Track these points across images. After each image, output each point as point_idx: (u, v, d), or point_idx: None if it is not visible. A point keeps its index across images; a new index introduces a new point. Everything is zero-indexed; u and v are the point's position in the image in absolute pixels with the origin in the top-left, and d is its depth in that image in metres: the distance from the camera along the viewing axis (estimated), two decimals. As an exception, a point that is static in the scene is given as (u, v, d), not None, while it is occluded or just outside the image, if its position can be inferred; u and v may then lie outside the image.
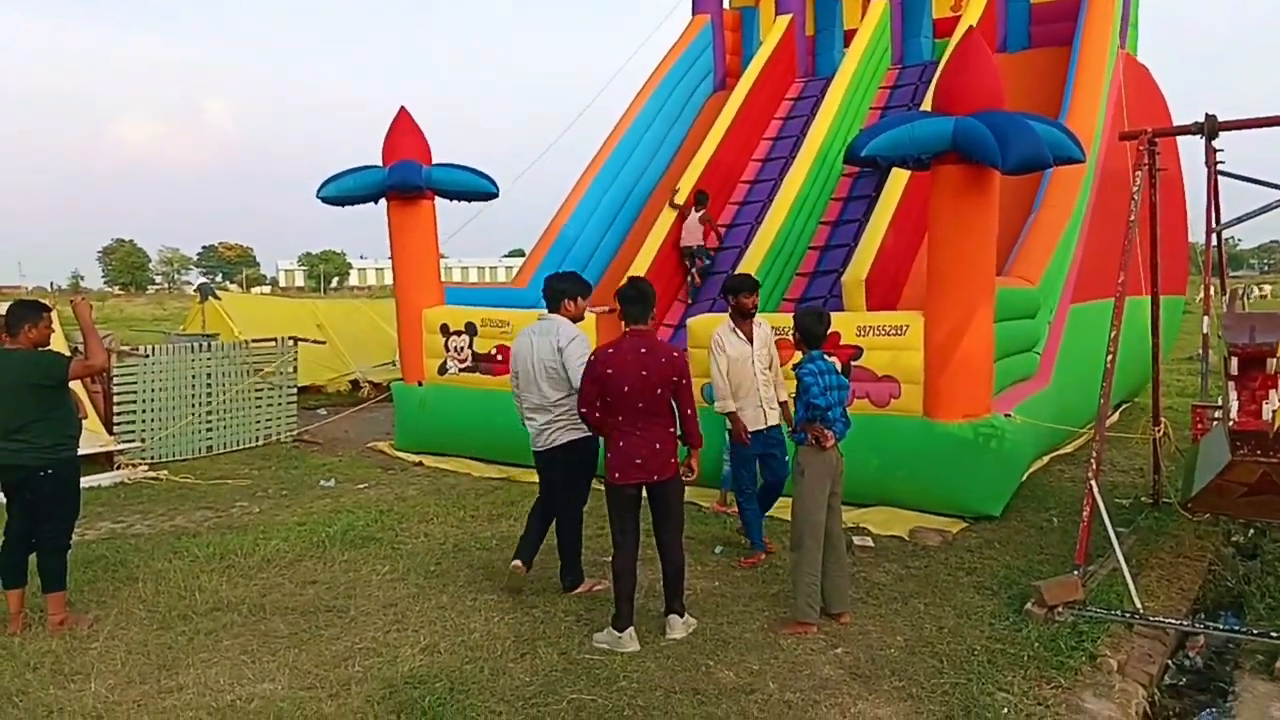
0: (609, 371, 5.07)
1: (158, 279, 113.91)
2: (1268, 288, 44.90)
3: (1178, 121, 9.27)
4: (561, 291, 6.03)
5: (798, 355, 5.60)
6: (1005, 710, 4.36)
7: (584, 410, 5.24)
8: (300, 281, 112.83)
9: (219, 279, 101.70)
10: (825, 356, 5.40)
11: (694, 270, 12.21)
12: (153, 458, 10.28)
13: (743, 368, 6.49)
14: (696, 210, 12.13)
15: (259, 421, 11.48)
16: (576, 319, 6.09)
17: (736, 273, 8.38)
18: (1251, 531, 7.32)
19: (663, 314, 12.06)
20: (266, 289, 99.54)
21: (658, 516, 5.28)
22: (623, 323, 5.29)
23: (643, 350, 5.11)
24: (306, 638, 5.28)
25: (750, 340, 6.52)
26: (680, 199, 12.29)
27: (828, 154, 12.15)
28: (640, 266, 11.55)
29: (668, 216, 12.28)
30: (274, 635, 5.32)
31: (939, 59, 13.41)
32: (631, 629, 5.12)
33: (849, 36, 14.54)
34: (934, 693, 4.54)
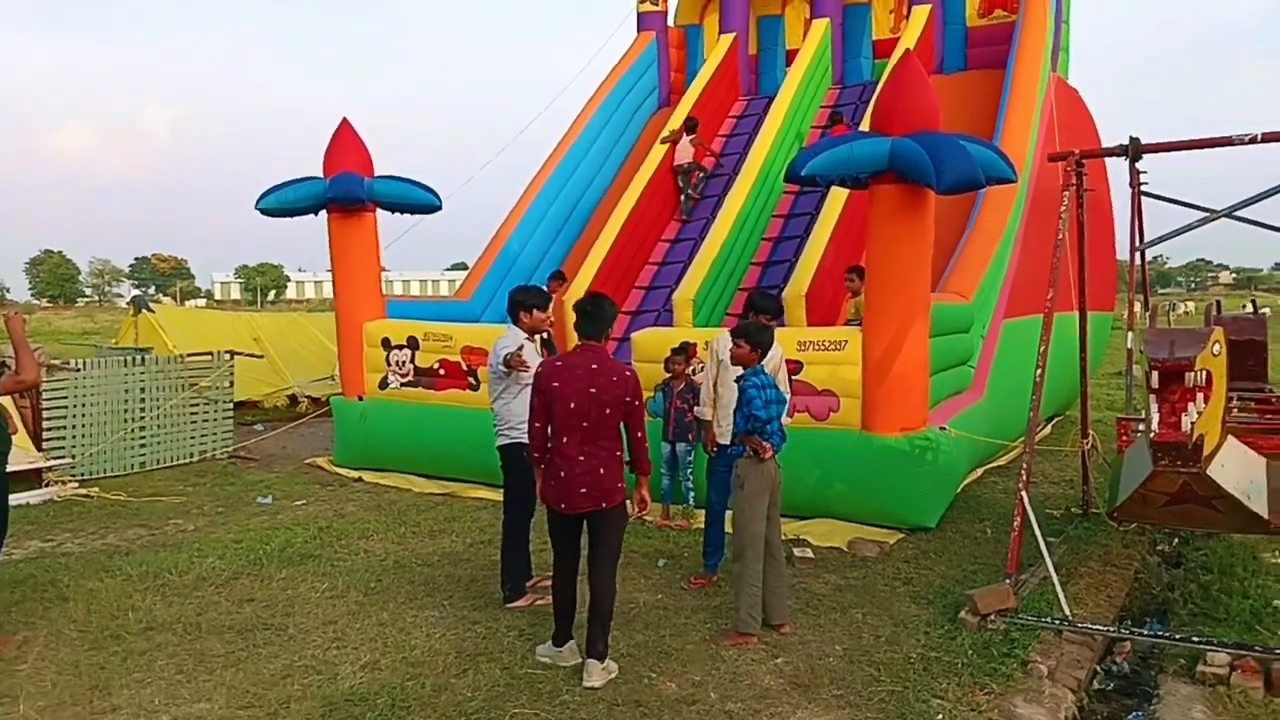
0: (554, 385, 4.81)
1: (88, 291, 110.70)
2: (1190, 304, 46.47)
3: (1106, 143, 9.61)
4: (518, 303, 6.18)
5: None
6: (940, 716, 4.46)
7: (536, 424, 4.90)
8: (236, 294, 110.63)
9: (152, 291, 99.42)
10: (765, 370, 5.48)
11: (689, 189, 13.32)
12: (83, 475, 10.02)
13: (730, 380, 6.48)
14: (688, 134, 13.27)
15: (194, 437, 11.25)
16: (533, 330, 6.20)
17: (761, 290, 8.38)
18: (1175, 541, 7.60)
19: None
20: (201, 302, 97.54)
21: (593, 546, 4.94)
22: (579, 336, 5.06)
23: (593, 366, 4.85)
24: (244, 656, 5.20)
25: None
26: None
27: (769, 171, 12.34)
28: (583, 281, 11.59)
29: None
30: (210, 654, 5.23)
31: (878, 79, 13.72)
32: (572, 643, 5.05)
33: (791, 56, 14.83)
34: (871, 700, 4.63)
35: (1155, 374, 4.64)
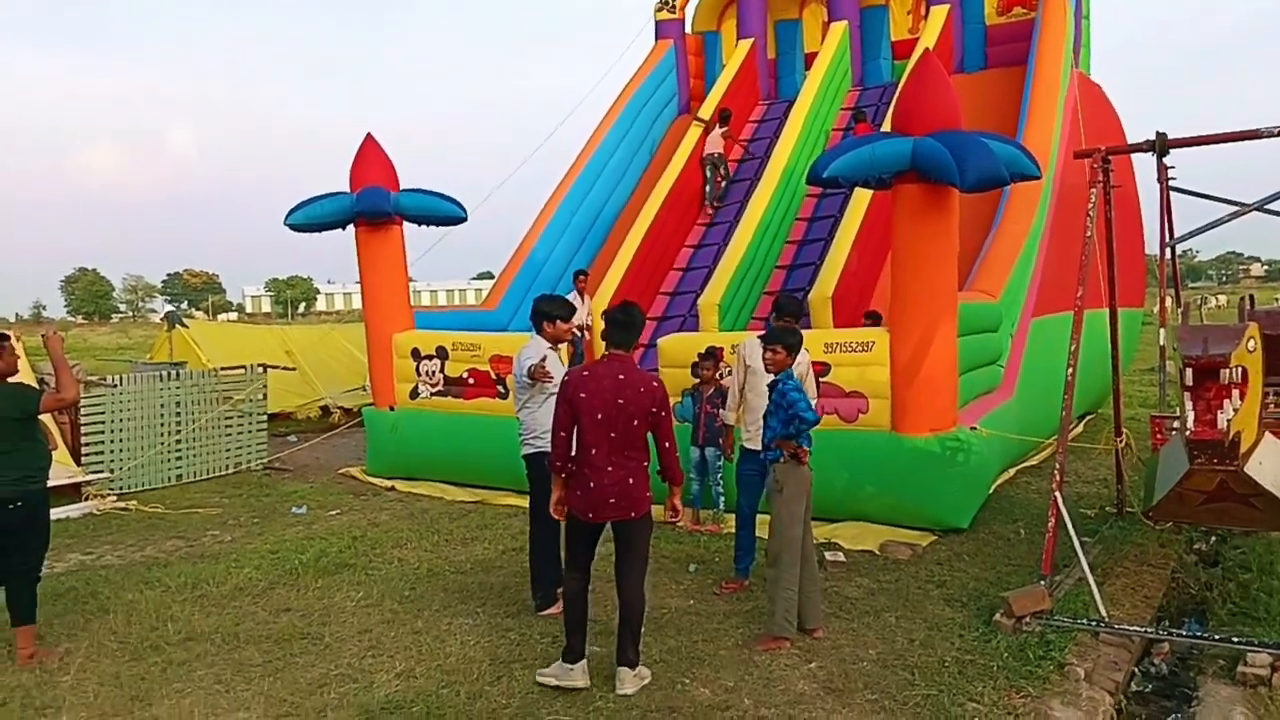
0: (581, 395, 4.75)
1: (122, 307, 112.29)
2: (1222, 298, 45.83)
3: (1131, 138, 9.50)
4: (542, 313, 6.16)
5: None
6: None
7: (561, 434, 4.85)
8: (267, 307, 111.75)
9: (184, 306, 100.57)
10: (794, 376, 5.49)
11: (715, 179, 13.64)
12: (121, 488, 10.17)
13: (760, 384, 6.49)
14: (721, 126, 13.67)
15: (229, 450, 11.39)
16: (557, 340, 6.19)
17: (788, 293, 8.41)
18: (1213, 539, 7.49)
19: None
20: (233, 316, 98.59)
21: (622, 555, 4.93)
22: (606, 346, 5.01)
23: (620, 377, 4.80)
24: (281, 666, 5.27)
25: None
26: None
27: (792, 174, 12.33)
28: (609, 288, 11.64)
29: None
30: (248, 664, 5.30)
31: (898, 80, 13.69)
32: (584, 663, 4.88)
33: (810, 59, 14.81)
34: (906, 705, 4.61)
35: (1190, 371, 4.60)
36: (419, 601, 6.31)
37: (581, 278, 11.88)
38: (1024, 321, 9.77)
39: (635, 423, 4.80)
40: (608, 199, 14.20)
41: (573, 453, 4.89)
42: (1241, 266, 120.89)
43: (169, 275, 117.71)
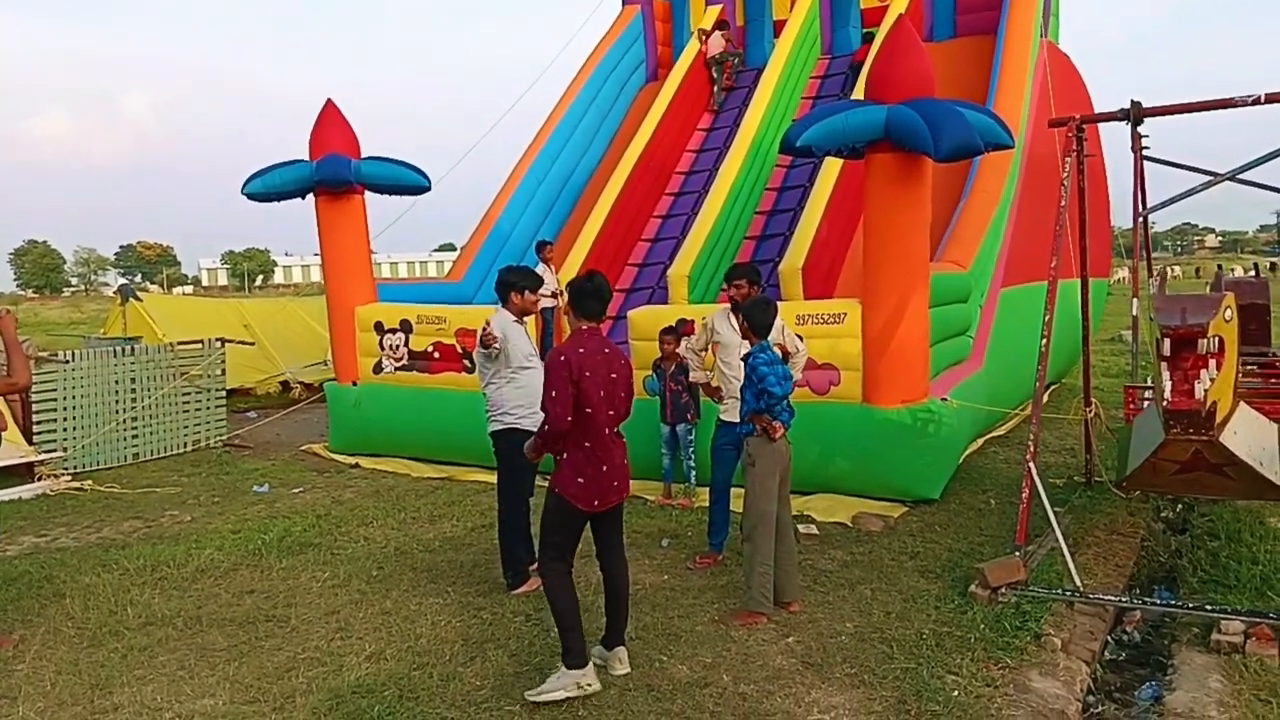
0: (586, 374, 4.44)
1: (73, 281, 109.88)
2: (1178, 269, 46.76)
3: (1098, 108, 9.48)
4: (508, 284, 6.02)
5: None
6: (955, 693, 4.41)
7: (568, 418, 4.42)
8: (224, 280, 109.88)
9: (138, 279, 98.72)
10: (771, 347, 5.38)
11: (722, 77, 14.39)
12: (76, 467, 9.90)
13: (729, 357, 6.37)
14: (719, 30, 14.50)
15: (187, 427, 11.13)
16: (524, 312, 6.06)
17: (736, 263, 8.30)
18: (1179, 507, 7.56)
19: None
20: (189, 289, 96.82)
21: (608, 536, 4.74)
22: (578, 320, 4.68)
23: (606, 351, 4.61)
24: (246, 650, 5.12)
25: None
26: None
27: (761, 144, 12.20)
28: (576, 259, 11.48)
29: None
30: (212, 649, 5.15)
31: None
32: (591, 664, 4.55)
33: (778, 27, 14.63)
34: (885, 678, 4.57)
35: (1167, 341, 4.56)
36: (387, 581, 6.18)
37: (548, 248, 11.52)
38: (993, 292, 9.77)
39: (623, 394, 4.66)
40: (574, 168, 14.00)
41: (585, 443, 4.54)
42: (1196, 238, 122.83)
43: (122, 247, 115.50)
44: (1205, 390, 4.56)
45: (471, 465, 9.24)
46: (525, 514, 6.05)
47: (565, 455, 4.57)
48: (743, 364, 6.17)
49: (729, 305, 6.54)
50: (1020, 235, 10.28)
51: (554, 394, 4.42)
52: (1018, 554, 5.66)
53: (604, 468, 4.53)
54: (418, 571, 6.36)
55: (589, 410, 4.46)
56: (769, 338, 5.39)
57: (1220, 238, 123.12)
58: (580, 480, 4.51)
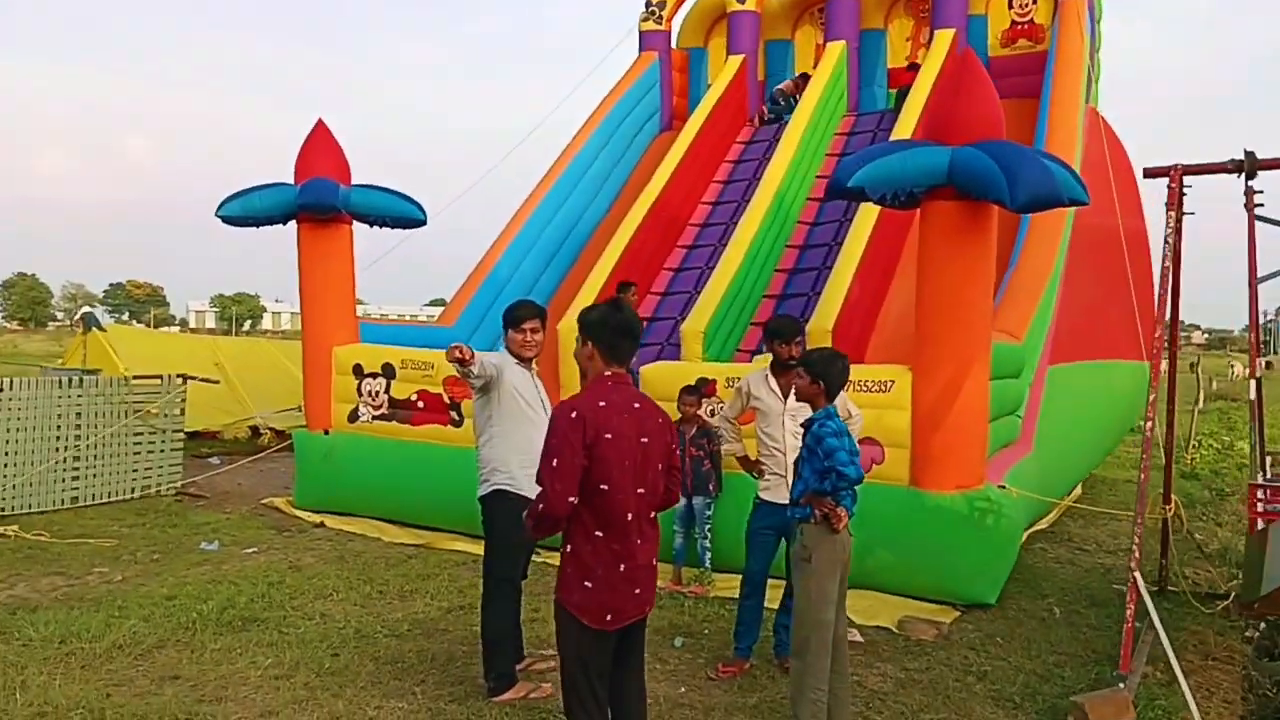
0: (607, 436, 3.32)
1: (59, 315, 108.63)
2: (1238, 366, 43.20)
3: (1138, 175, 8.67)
4: (506, 322, 5.06)
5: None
6: None
7: (569, 498, 3.30)
8: (211, 323, 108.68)
9: (125, 317, 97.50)
10: (838, 412, 4.34)
11: (773, 107, 13.88)
12: (3, 510, 8.74)
13: (770, 426, 5.38)
14: (797, 79, 13.88)
15: (136, 470, 9.97)
16: (519, 357, 5.07)
17: (780, 315, 7.26)
18: (1261, 625, 6.50)
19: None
20: (175, 329, 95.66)
21: (626, 655, 3.56)
22: (604, 364, 3.48)
23: (636, 406, 3.46)
24: (149, 765, 4.00)
25: (785, 396, 5.32)
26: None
27: (784, 197, 11.36)
28: (580, 307, 10.50)
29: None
30: (105, 761, 4.02)
31: (894, 109, 12.88)
32: None
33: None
34: None
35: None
36: (341, 675, 5.05)
37: (632, 291, 9.94)
38: (1040, 368, 8.82)
39: (660, 467, 3.50)
40: (581, 215, 13.12)
41: (596, 531, 3.38)
42: (1184, 335, 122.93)
43: (111, 285, 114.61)
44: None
45: (453, 532, 8.13)
46: (515, 600, 4.98)
47: (569, 547, 3.44)
48: (789, 436, 5.18)
49: (767, 367, 5.57)
50: (1068, 310, 9.36)
51: (554, 462, 3.29)
52: (1122, 686, 4.60)
53: (621, 567, 3.36)
54: (380, 663, 5.24)
55: (605, 488, 3.32)
56: (838, 407, 4.36)
57: (1207, 335, 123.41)
58: (587, 585, 3.36)
